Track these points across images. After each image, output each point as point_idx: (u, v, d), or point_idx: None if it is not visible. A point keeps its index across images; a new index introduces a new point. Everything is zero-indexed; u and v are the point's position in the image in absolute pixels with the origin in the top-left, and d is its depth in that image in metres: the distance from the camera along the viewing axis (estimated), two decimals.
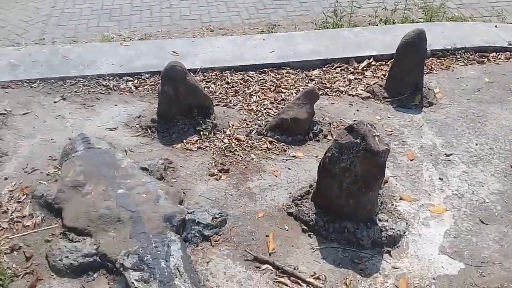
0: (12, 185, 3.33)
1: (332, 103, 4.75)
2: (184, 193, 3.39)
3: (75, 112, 4.37)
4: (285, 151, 4.00)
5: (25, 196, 3.22)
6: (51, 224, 3.02)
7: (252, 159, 3.86)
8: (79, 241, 2.82)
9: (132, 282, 2.59)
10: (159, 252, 2.71)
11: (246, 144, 4.03)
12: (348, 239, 3.13)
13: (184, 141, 4.02)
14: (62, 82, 4.74)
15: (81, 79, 4.80)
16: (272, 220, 3.28)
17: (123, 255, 2.70)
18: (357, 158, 2.95)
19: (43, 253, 2.80)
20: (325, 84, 5.10)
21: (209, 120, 4.17)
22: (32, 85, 4.67)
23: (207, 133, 4.08)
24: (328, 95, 4.93)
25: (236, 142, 4.04)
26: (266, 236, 3.13)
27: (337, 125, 4.38)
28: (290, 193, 3.52)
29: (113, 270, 2.71)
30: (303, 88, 4.93)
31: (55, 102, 4.47)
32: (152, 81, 4.88)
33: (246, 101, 4.74)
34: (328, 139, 4.21)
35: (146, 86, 4.82)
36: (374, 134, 2.97)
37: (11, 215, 3.03)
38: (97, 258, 2.74)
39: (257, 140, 4.09)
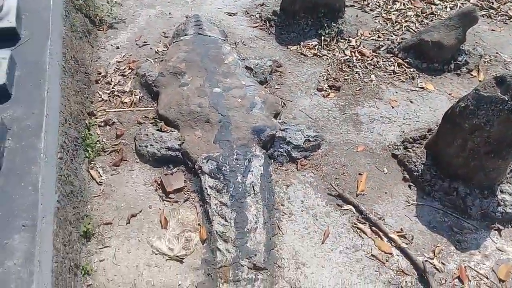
0: (121, 56, 3.33)
1: (492, 30, 3.86)
2: (284, 104, 3.11)
3: None
4: (413, 79, 3.40)
5: (130, 70, 3.22)
6: (147, 106, 3.01)
7: (371, 80, 3.36)
8: (166, 132, 2.77)
9: (206, 188, 2.52)
10: (238, 165, 2.56)
11: (369, 61, 3.50)
12: (454, 203, 2.66)
13: (302, 43, 3.61)
14: None
15: None
16: (372, 157, 2.89)
17: (203, 159, 2.60)
18: (497, 118, 2.35)
19: (132, 135, 2.83)
20: (492, 2, 4.12)
21: (335, 24, 3.66)
22: None
23: (328, 39, 3.61)
24: (492, 18, 4.00)
25: (359, 57, 3.52)
26: (359, 174, 2.79)
27: (490, 60, 3.58)
28: (403, 132, 3.04)
29: (191, 170, 2.66)
30: (461, 4, 4.05)
31: None
32: None
33: (387, 7, 4.06)
34: (471, 75, 3.48)
35: None
36: None
37: (112, 88, 3.07)
38: (179, 154, 2.69)
39: (384, 59, 3.52)
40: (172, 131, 2.78)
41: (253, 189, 2.51)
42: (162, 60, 3.24)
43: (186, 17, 3.66)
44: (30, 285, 1.74)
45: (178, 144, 2.69)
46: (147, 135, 2.74)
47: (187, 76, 2.97)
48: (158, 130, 2.79)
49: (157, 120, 2.85)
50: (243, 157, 2.60)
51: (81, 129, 2.67)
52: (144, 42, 3.48)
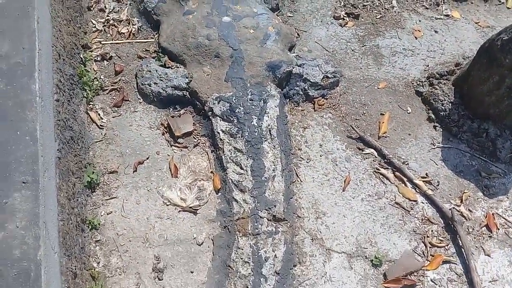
0: None
1: None
2: (298, 35, 2.80)
3: None
4: (437, 5, 3.08)
5: None
6: (147, 38, 2.68)
7: (393, 7, 3.03)
8: (171, 68, 2.49)
9: (218, 132, 2.30)
10: (253, 107, 2.33)
11: None
12: (483, 145, 2.50)
13: None
14: None
15: None
16: (394, 95, 2.67)
17: (214, 99, 2.36)
18: None
19: (133, 70, 2.53)
20: None
21: None
22: None
23: None
24: None
25: None
26: (381, 114, 2.58)
27: None
28: (427, 66, 2.79)
29: (201, 111, 2.42)
30: None
31: None
32: None
33: None
34: (499, 1, 3.16)
35: None
36: None
37: (107, 16, 2.70)
38: (186, 94, 2.43)
39: None
40: (178, 67, 2.49)
41: (270, 133, 2.30)
42: None
43: None
44: (37, 250, 1.57)
45: (186, 83, 2.42)
46: (150, 71, 2.46)
47: (191, 2, 2.62)
48: (161, 65, 2.50)
49: (160, 54, 2.55)
50: (258, 97, 2.36)
51: (76, 64, 2.37)
52: None
